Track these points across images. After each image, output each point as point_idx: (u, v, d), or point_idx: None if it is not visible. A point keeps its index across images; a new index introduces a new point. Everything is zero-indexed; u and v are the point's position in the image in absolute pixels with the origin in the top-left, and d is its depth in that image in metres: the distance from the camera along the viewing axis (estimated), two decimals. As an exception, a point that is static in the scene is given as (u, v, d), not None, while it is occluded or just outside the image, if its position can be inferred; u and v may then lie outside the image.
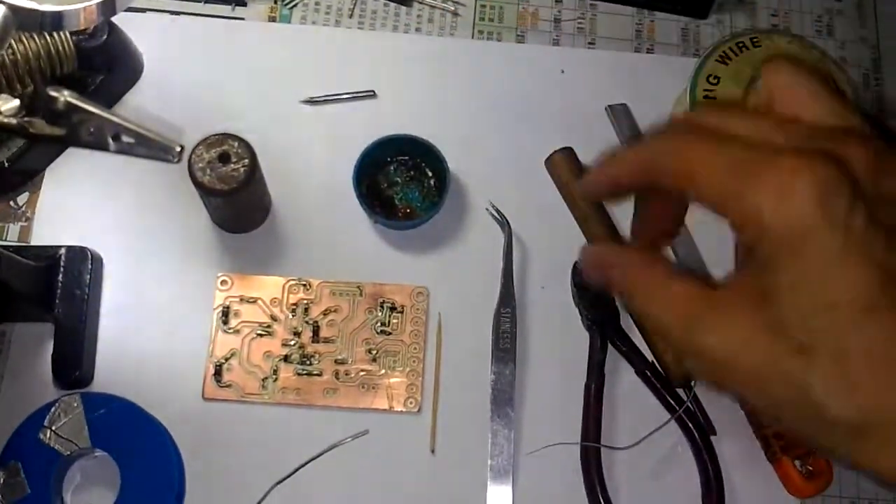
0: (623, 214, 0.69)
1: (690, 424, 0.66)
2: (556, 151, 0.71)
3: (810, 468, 0.65)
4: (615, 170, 0.42)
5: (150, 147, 0.50)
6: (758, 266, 0.37)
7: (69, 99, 0.48)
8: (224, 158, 0.63)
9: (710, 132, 0.38)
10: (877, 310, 0.35)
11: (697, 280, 0.39)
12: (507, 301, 0.68)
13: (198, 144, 0.63)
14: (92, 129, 0.49)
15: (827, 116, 0.39)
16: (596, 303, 0.68)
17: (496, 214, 0.70)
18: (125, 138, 0.50)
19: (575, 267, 0.69)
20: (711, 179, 0.37)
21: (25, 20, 0.51)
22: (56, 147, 0.69)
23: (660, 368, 0.67)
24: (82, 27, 0.57)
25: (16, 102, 0.51)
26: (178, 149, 0.51)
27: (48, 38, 0.65)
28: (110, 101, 0.71)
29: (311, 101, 0.73)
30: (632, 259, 0.42)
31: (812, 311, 0.36)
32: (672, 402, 0.66)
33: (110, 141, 0.50)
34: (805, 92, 0.40)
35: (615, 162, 0.41)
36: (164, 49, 0.74)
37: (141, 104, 0.72)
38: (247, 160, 0.63)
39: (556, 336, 0.68)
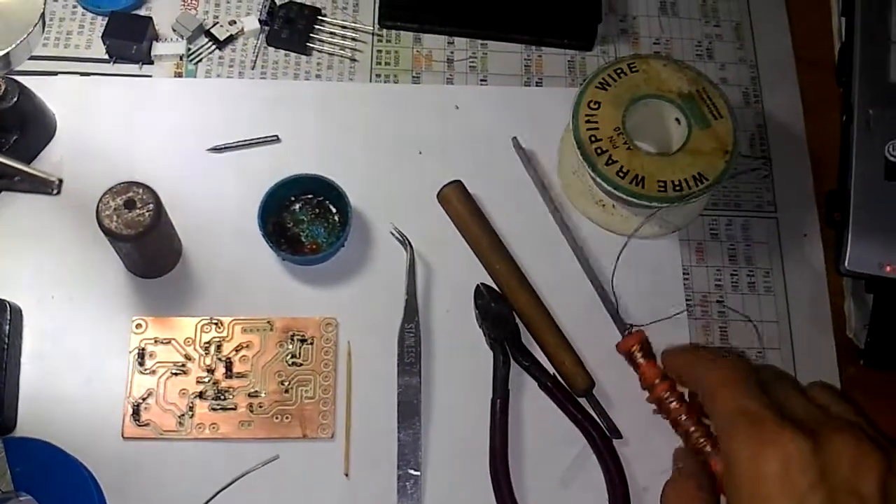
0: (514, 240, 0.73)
1: (593, 431, 0.68)
2: (445, 185, 0.75)
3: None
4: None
5: (31, 182, 0.53)
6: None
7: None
8: (130, 205, 0.66)
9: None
10: None
11: None
12: (411, 316, 0.71)
13: (105, 193, 0.66)
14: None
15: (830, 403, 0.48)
16: (497, 322, 0.71)
17: (398, 235, 0.73)
18: (6, 176, 0.53)
19: (477, 289, 0.72)
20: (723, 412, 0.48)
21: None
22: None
23: (561, 380, 0.70)
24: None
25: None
26: (57, 181, 0.54)
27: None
28: (27, 158, 0.74)
29: (218, 149, 0.76)
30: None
31: None
32: (574, 412, 0.69)
33: (-6, 179, 0.53)
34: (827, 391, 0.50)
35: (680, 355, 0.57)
36: (76, 108, 0.77)
37: (55, 160, 0.75)
38: (151, 205, 0.66)
39: (461, 353, 0.71)
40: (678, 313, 0.73)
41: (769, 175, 0.78)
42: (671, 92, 0.73)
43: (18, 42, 0.56)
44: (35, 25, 0.57)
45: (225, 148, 0.76)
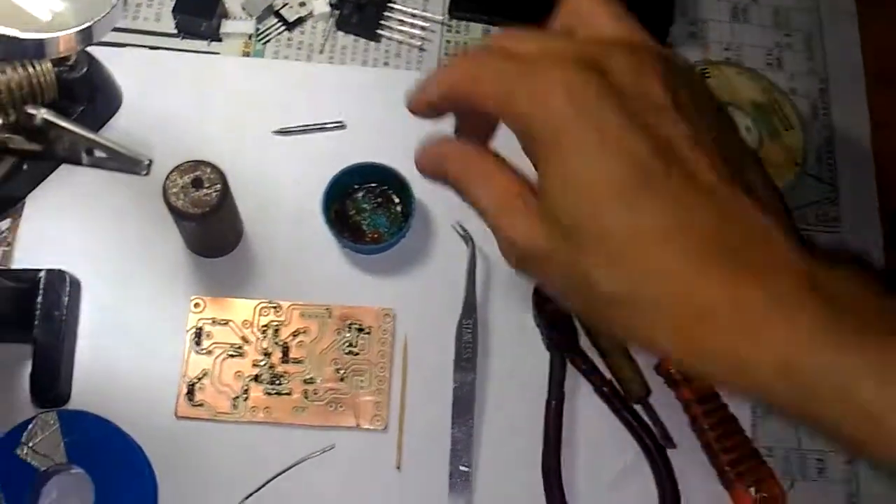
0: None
1: (647, 439, 0.68)
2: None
3: (765, 495, 0.67)
4: (426, 95, 0.45)
5: (120, 161, 0.53)
6: (536, 165, 0.41)
7: (46, 116, 0.51)
8: (197, 183, 0.65)
9: (498, 51, 0.42)
10: (633, 194, 0.39)
11: (519, 176, 0.42)
12: (470, 312, 0.71)
13: (172, 170, 0.65)
14: (67, 145, 0.52)
15: (616, 32, 0.43)
16: (556, 323, 0.70)
17: (461, 231, 0.73)
18: (97, 153, 0.53)
19: (536, 289, 0.71)
20: (488, 90, 0.41)
21: (9, 49, 0.54)
22: (37, 174, 0.71)
23: (617, 386, 0.70)
24: (63, 54, 0.60)
25: (-2, 121, 0.54)
26: (147, 162, 0.54)
27: (31, 69, 0.68)
28: (92, 129, 0.73)
29: (283, 132, 0.76)
30: (467, 150, 0.45)
31: (575, 200, 0.39)
32: (629, 418, 0.69)
33: (84, 155, 0.53)
34: (601, 12, 0.44)
35: (425, 87, 0.45)
36: (143, 82, 0.77)
37: (120, 134, 0.74)
38: (219, 185, 0.66)
39: (518, 352, 0.71)
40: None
41: (835, 190, 0.77)
42: (743, 100, 0.72)
43: (102, 16, 0.56)
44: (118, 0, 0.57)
45: (290, 131, 0.76)
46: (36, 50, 0.52)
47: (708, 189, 0.39)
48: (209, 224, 0.67)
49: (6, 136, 0.51)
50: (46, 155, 0.52)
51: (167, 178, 0.65)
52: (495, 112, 0.41)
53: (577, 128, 0.39)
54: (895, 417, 0.35)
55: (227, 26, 0.79)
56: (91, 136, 0.52)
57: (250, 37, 0.79)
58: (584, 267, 0.40)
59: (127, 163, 0.53)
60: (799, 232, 0.40)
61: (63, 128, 0.52)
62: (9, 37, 0.53)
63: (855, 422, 0.36)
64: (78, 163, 0.53)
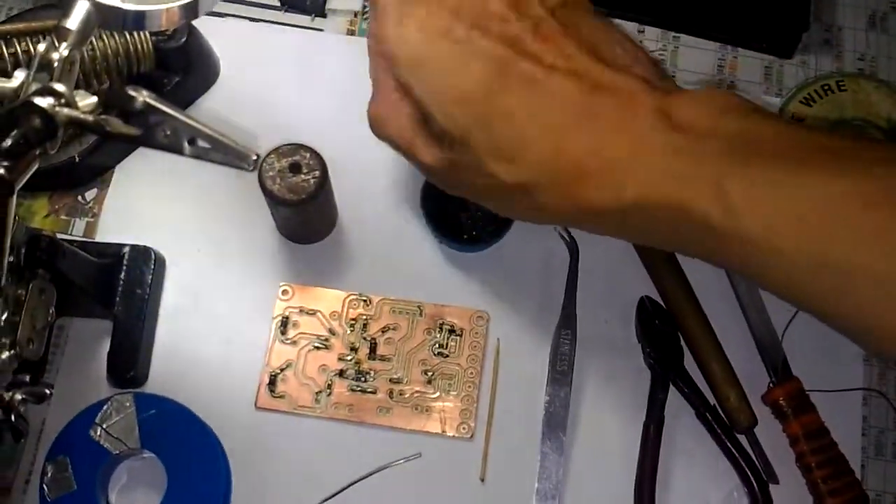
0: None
1: (749, 472, 0.64)
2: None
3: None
4: None
5: (225, 153, 0.50)
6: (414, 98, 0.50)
7: (148, 100, 0.48)
8: (295, 169, 0.62)
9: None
10: (495, 87, 0.46)
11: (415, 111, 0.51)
12: (568, 323, 0.67)
13: (270, 153, 0.62)
14: (168, 132, 0.49)
15: None
16: (660, 342, 0.66)
17: (565, 236, 0.69)
18: (201, 143, 0.50)
19: (641, 302, 0.67)
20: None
21: (108, 18, 0.51)
22: (128, 146, 0.69)
23: (721, 413, 0.65)
24: (164, 28, 0.57)
25: (94, 99, 0.51)
26: (255, 157, 0.51)
27: (127, 36, 0.66)
28: (185, 103, 0.71)
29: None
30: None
31: (451, 108, 0.47)
32: (731, 448, 0.64)
33: (185, 144, 0.50)
34: None
35: None
36: (242, 55, 0.74)
37: (215, 108, 0.72)
38: (318, 172, 0.62)
39: (616, 369, 0.67)
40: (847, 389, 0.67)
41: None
42: (880, 117, 0.67)
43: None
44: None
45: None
46: (136, 22, 0.49)
47: (561, 69, 0.46)
48: (304, 211, 0.64)
49: (102, 117, 0.48)
50: (144, 141, 0.49)
51: (264, 160, 0.62)
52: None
53: (438, 47, 0.47)
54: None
55: (333, 1, 0.75)
56: (196, 124, 0.49)
57: (356, 14, 0.76)
58: (484, 167, 0.47)
59: (233, 156, 0.50)
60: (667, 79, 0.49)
61: (166, 113, 0.48)
62: (109, 6, 0.50)
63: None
64: (178, 152, 0.50)
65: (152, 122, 0.49)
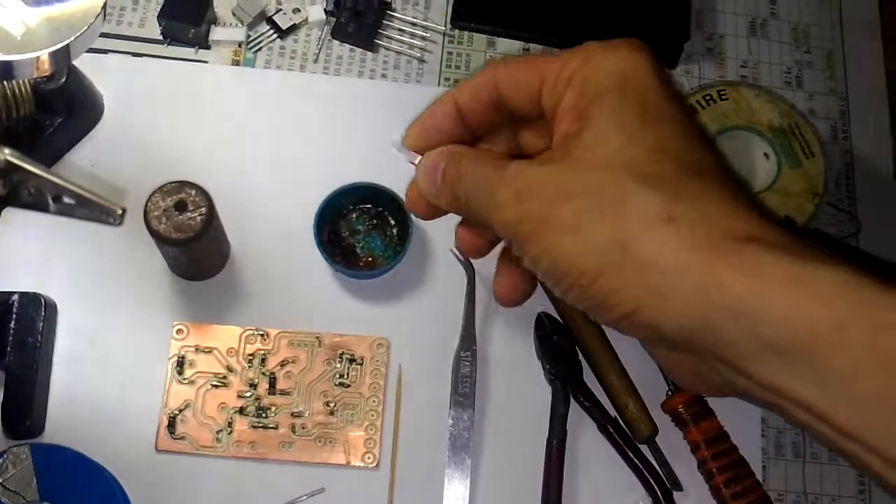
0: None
1: (653, 481, 0.65)
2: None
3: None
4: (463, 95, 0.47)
5: (91, 209, 0.49)
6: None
7: (9, 158, 0.47)
8: (181, 207, 0.61)
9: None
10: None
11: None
12: (468, 344, 0.67)
13: (154, 192, 0.61)
14: (32, 190, 0.48)
15: None
16: (558, 357, 0.67)
17: (460, 257, 0.69)
18: (66, 199, 0.49)
19: (539, 319, 0.68)
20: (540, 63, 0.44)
21: (-27, 70, 0.50)
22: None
23: (622, 424, 0.66)
24: (35, 76, 0.56)
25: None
26: (120, 211, 0.50)
27: (4, 82, 0.64)
28: (69, 143, 0.70)
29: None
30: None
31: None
32: (634, 459, 0.65)
33: (50, 202, 0.49)
34: None
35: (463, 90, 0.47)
36: (125, 91, 0.72)
37: (100, 147, 0.71)
38: (204, 209, 0.62)
39: (518, 387, 0.67)
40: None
41: (854, 221, 0.73)
42: (762, 124, 0.68)
43: (80, 34, 0.52)
44: (97, 16, 0.52)
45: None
46: (4, 72, 0.48)
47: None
48: (193, 249, 0.63)
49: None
50: (9, 201, 0.48)
51: (149, 199, 0.61)
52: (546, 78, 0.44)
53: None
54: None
55: (216, 33, 0.74)
56: (59, 181, 0.48)
57: (240, 45, 0.75)
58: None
59: (97, 211, 0.49)
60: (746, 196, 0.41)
61: (28, 171, 0.47)
62: (-27, 57, 0.49)
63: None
64: (44, 210, 0.49)
65: (15, 180, 0.47)
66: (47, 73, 0.54)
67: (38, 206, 0.48)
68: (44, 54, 0.51)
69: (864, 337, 0.34)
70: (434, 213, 0.48)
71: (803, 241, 0.38)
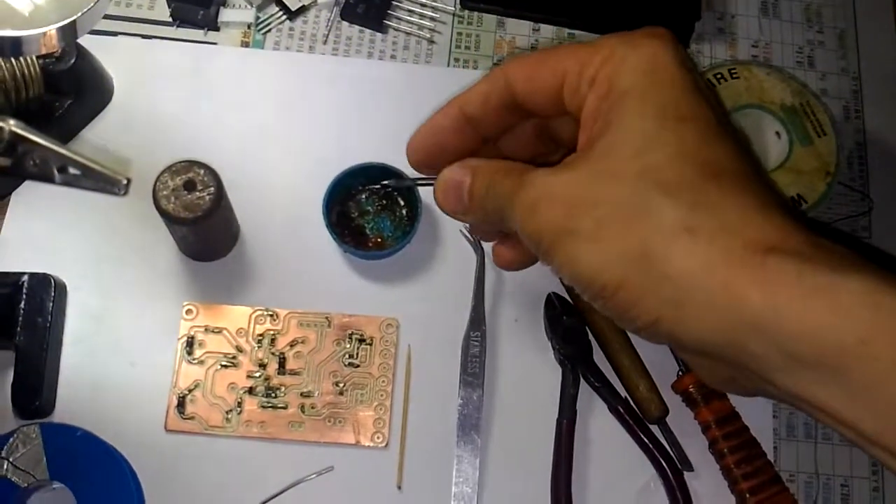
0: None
1: (664, 462, 0.64)
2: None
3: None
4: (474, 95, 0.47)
5: (96, 179, 0.49)
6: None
7: (14, 129, 0.47)
8: (189, 186, 0.61)
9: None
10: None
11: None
12: (477, 324, 0.67)
13: (163, 172, 0.61)
14: (37, 161, 0.48)
15: None
16: (569, 337, 0.66)
17: (470, 237, 0.69)
18: (71, 170, 0.49)
19: (549, 299, 0.67)
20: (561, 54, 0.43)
21: (-17, 46, 0.50)
22: (15, 175, 0.68)
23: (633, 405, 0.66)
24: (43, 52, 0.56)
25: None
26: (125, 181, 0.50)
27: (13, 61, 0.64)
28: (78, 125, 0.70)
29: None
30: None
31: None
32: (645, 439, 0.65)
33: (56, 173, 0.49)
34: None
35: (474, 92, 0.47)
36: (135, 73, 0.73)
37: (109, 128, 0.71)
38: (212, 188, 0.62)
39: (527, 368, 0.67)
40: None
41: (866, 200, 0.73)
42: (773, 103, 0.68)
43: (87, 9, 0.52)
44: (104, -10, 0.52)
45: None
46: (12, 48, 0.48)
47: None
48: (202, 229, 0.63)
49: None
50: (14, 172, 0.48)
51: (157, 179, 0.61)
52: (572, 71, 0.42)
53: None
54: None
55: (225, 15, 0.74)
56: (63, 151, 0.48)
57: (249, 26, 0.75)
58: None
59: (103, 182, 0.49)
60: (783, 205, 0.40)
61: (33, 142, 0.47)
62: (-18, 33, 0.49)
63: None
64: (49, 181, 0.49)
65: (21, 151, 0.47)
66: (55, 50, 0.55)
67: (44, 176, 0.48)
68: (51, 29, 0.51)
69: (889, 350, 0.34)
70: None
71: (828, 246, 0.37)
